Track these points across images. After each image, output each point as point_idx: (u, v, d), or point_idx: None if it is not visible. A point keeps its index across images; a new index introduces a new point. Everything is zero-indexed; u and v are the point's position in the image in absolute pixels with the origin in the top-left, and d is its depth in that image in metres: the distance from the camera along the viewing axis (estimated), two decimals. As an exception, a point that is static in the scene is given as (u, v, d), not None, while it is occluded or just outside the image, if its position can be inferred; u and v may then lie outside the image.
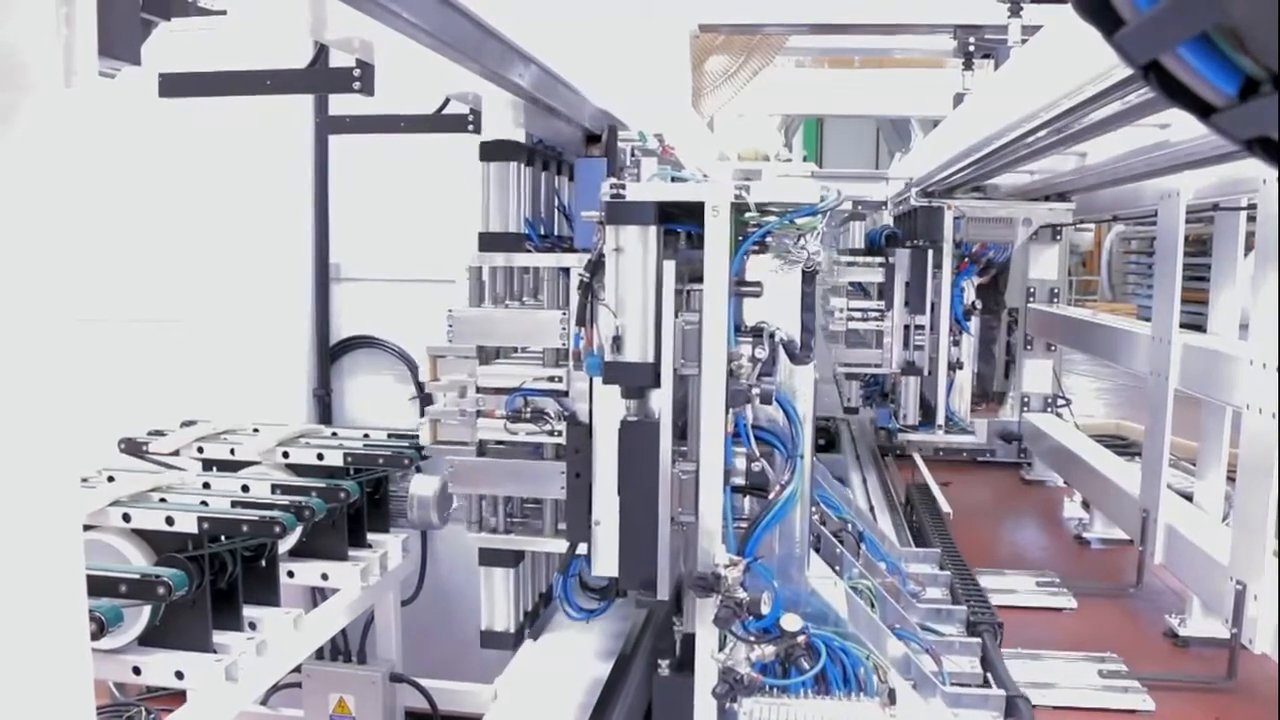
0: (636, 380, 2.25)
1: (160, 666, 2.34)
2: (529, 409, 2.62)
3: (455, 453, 2.75)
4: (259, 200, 4.15)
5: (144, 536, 2.47)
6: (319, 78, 2.37)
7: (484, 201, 2.71)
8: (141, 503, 2.55)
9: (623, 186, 2.18)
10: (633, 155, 2.54)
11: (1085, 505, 6.19)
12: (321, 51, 2.31)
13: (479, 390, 2.70)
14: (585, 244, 2.48)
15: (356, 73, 2.16)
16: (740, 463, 2.34)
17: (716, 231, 2.20)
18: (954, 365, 5.65)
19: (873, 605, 3.08)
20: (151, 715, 3.47)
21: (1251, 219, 4.23)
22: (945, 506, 4.95)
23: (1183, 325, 4.78)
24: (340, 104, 3.97)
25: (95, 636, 2.15)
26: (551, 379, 2.64)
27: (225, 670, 2.31)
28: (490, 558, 2.79)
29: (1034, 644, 4.20)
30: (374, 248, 4.26)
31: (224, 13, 1.86)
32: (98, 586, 2.17)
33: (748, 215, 2.27)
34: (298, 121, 4.13)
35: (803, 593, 2.59)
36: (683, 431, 2.34)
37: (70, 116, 1.18)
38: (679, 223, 2.31)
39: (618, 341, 2.23)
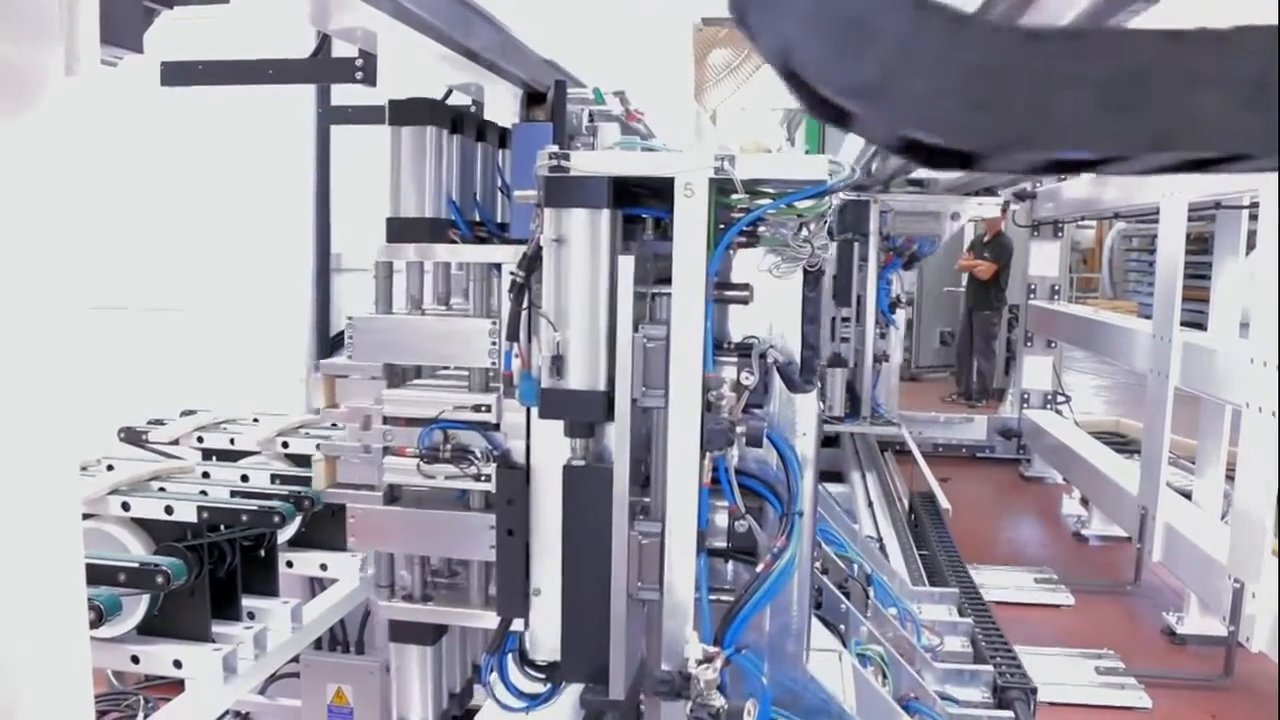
0: (582, 413, 1.80)
1: (159, 655, 2.34)
2: (449, 446, 2.08)
3: (358, 499, 2.19)
4: (260, 190, 4.15)
5: (143, 525, 2.47)
6: (321, 68, 2.36)
7: (393, 177, 2.16)
8: (141, 491, 2.55)
9: (565, 156, 1.73)
10: (590, 120, 2.15)
11: (1084, 502, 6.20)
12: (324, 41, 2.31)
13: (386, 420, 2.13)
14: (525, 234, 1.96)
15: (359, 63, 2.15)
16: (721, 519, 1.90)
17: (691, 217, 1.73)
18: (880, 358, 5.73)
19: (884, 675, 2.76)
20: (150, 704, 3.48)
21: (1253, 217, 4.23)
22: (944, 503, 4.96)
23: (1183, 323, 4.78)
24: (342, 94, 3.97)
25: (94, 625, 2.15)
26: (478, 408, 2.07)
27: (223, 660, 2.31)
28: (403, 632, 2.23)
29: (1031, 640, 4.21)
30: (375, 238, 4.25)
31: (227, 1, 1.86)
32: (96, 575, 2.18)
33: (734, 198, 1.82)
34: (300, 112, 4.12)
35: (800, 679, 2.13)
36: (645, 480, 1.88)
37: (73, 105, 1.18)
38: (643, 206, 1.86)
39: (558, 362, 1.78)
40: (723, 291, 1.96)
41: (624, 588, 1.79)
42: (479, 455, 2.07)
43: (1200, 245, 8.07)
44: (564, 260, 1.78)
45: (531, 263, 1.83)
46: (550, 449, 1.93)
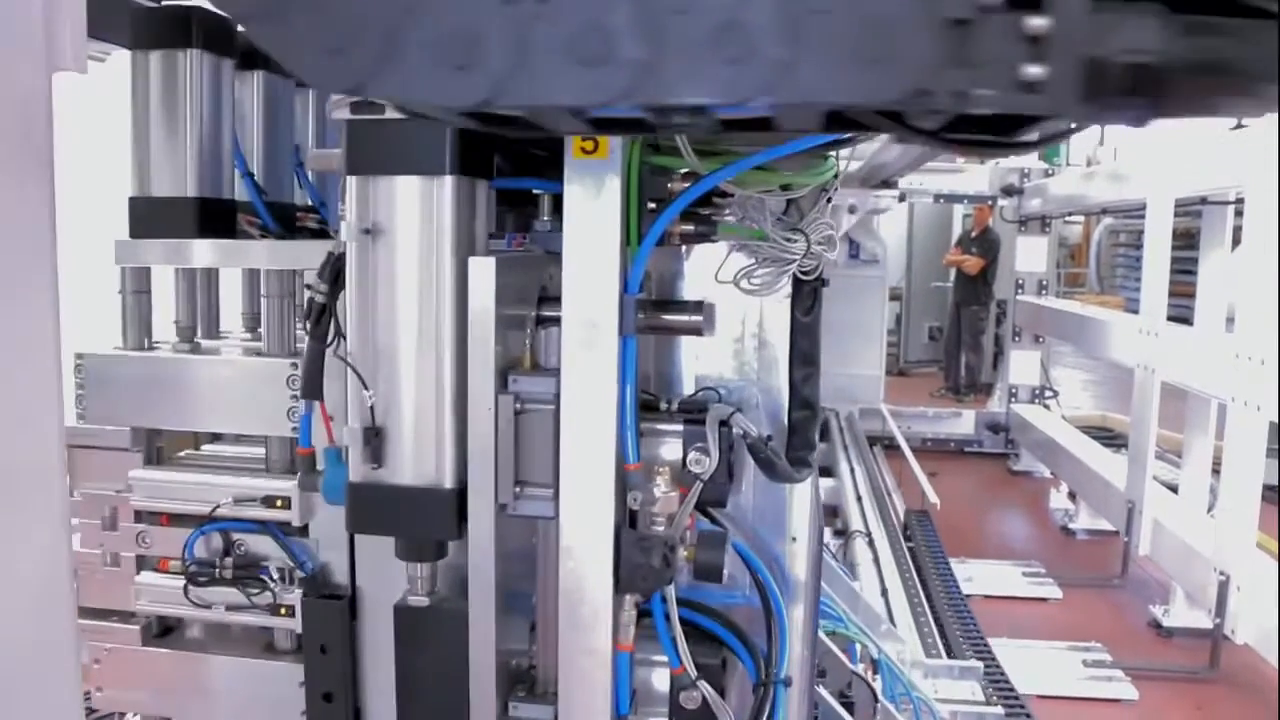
0: (414, 525, 1.13)
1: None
2: (231, 557, 1.36)
3: (106, 635, 1.43)
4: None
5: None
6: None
7: (136, 133, 1.42)
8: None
9: None
10: None
11: (1071, 496, 6.23)
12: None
13: (140, 516, 1.41)
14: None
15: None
16: (660, 680, 1.19)
17: (592, 189, 1.06)
18: None
19: None
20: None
21: (1239, 213, 4.25)
22: (933, 497, 4.98)
23: (1170, 318, 4.82)
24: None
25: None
26: (272, 500, 1.34)
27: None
28: None
29: (1019, 633, 4.24)
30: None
31: (213, -4, 1.84)
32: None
33: (681, 163, 1.16)
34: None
35: None
36: (533, 626, 1.24)
37: (62, 98, 1.17)
38: (525, 177, 1.23)
39: (374, 436, 1.12)
40: (659, 315, 1.20)
41: None
42: (274, 574, 1.36)
43: (1186, 240, 8.12)
44: (378, 266, 1.11)
45: (338, 270, 1.18)
46: (379, 573, 1.25)
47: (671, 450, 1.19)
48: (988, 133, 0.83)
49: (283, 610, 1.34)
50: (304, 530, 1.35)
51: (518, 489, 1.11)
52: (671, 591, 1.14)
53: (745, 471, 1.30)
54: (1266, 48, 0.71)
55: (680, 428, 1.19)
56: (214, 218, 1.42)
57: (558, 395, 1.09)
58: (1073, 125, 0.78)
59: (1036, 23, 0.67)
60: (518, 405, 1.11)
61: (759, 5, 0.69)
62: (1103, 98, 0.69)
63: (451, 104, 0.75)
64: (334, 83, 0.77)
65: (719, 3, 0.70)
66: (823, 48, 0.70)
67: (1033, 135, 0.82)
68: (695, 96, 0.72)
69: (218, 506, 1.35)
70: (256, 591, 1.34)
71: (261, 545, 1.36)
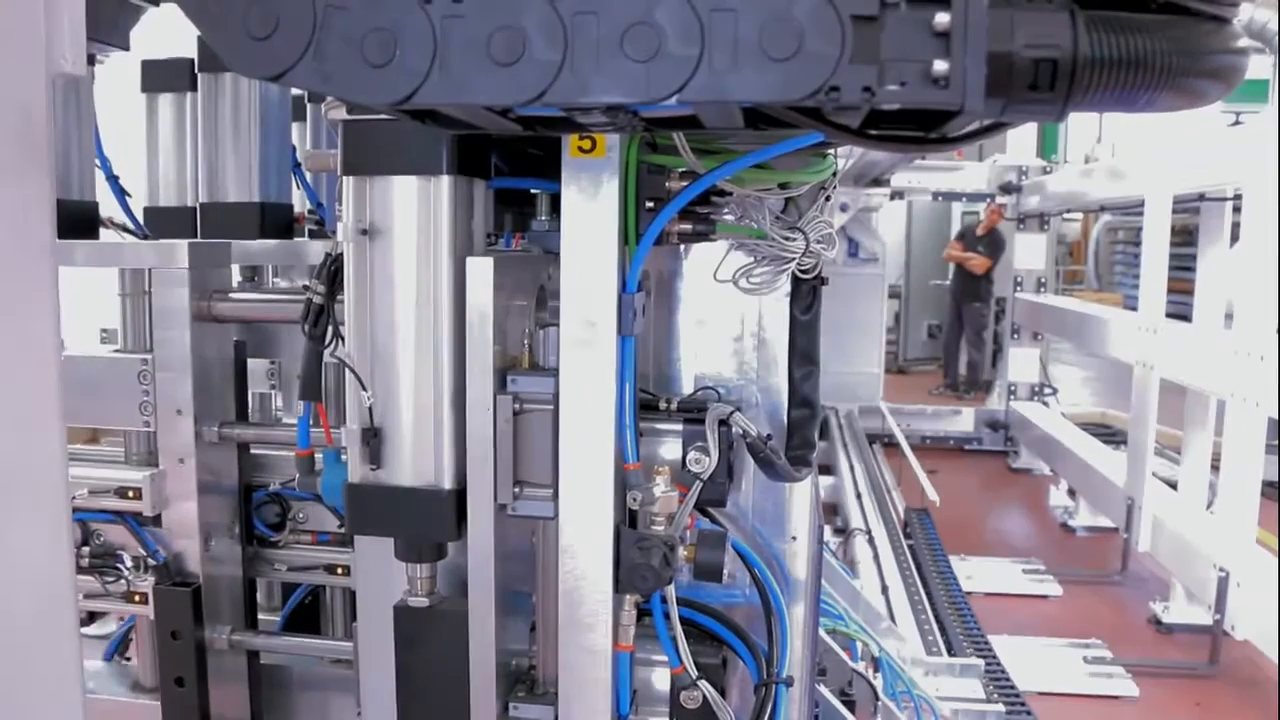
0: (413, 527, 1.16)
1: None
2: (89, 546, 1.44)
3: None
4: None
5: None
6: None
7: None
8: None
9: None
10: None
11: (1071, 493, 6.24)
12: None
13: None
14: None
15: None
16: (660, 680, 1.23)
17: (589, 188, 1.07)
18: None
19: None
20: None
21: (1237, 210, 4.25)
22: (933, 494, 4.98)
23: (1169, 315, 4.82)
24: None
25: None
26: (125, 491, 1.40)
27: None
28: None
29: (1019, 630, 4.24)
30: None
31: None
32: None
33: (679, 161, 1.13)
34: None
35: None
36: (533, 626, 1.27)
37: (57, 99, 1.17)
38: (523, 176, 1.24)
39: (374, 439, 1.14)
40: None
41: None
42: (130, 563, 1.42)
43: (1185, 237, 8.12)
44: (376, 266, 1.13)
45: (334, 271, 1.20)
46: (387, 569, 1.25)
47: (671, 450, 1.21)
48: (913, 128, 0.83)
49: (136, 598, 1.41)
50: (157, 520, 1.42)
51: (517, 489, 1.13)
52: (671, 591, 1.16)
53: (745, 470, 1.33)
54: (1186, 43, 0.71)
55: (679, 427, 1.21)
56: (72, 219, 1.50)
57: (556, 395, 1.10)
58: (993, 121, 0.78)
59: (942, 19, 0.69)
60: (516, 405, 1.12)
61: (666, 5, 0.71)
62: (1011, 93, 0.70)
63: (371, 101, 0.76)
64: (257, 68, 0.78)
65: (628, 2, 0.71)
66: (730, 46, 0.71)
67: (956, 130, 0.83)
68: (608, 95, 0.74)
69: (74, 497, 1.40)
70: (112, 580, 1.41)
71: (118, 535, 1.43)
